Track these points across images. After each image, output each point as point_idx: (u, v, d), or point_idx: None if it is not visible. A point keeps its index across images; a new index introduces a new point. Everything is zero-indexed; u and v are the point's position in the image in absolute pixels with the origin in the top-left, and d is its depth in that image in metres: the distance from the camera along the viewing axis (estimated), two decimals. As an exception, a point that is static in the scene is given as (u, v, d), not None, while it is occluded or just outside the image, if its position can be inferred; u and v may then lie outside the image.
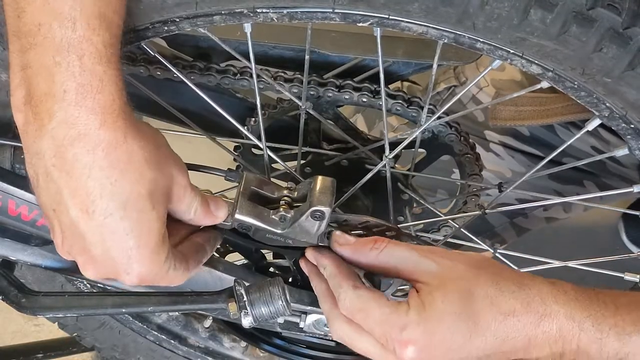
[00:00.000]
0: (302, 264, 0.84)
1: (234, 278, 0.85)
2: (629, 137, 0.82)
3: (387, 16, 0.73)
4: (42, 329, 1.62)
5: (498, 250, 1.08)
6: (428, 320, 0.68)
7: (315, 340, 0.97)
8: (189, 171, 0.73)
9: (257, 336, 1.01)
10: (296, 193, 0.83)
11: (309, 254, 0.83)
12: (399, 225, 0.89)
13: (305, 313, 0.89)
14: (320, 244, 0.83)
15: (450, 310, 0.68)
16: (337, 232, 0.80)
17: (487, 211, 1.02)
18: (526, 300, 0.69)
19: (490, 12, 0.70)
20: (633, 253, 1.06)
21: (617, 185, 1.42)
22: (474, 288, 0.69)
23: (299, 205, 0.81)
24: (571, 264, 1.06)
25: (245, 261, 0.94)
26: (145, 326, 1.17)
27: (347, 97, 1.00)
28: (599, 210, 1.79)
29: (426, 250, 0.74)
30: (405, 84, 1.43)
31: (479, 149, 1.08)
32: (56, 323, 1.21)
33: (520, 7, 0.70)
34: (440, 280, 0.70)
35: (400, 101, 1.00)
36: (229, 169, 1.00)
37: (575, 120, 1.26)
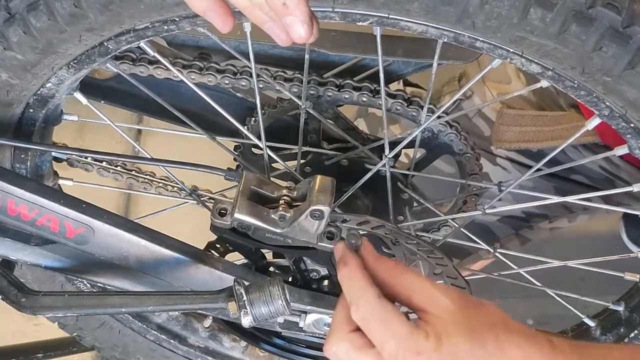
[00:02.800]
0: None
1: (233, 277, 0.85)
2: (628, 136, 0.82)
3: (386, 15, 0.73)
4: (42, 328, 1.62)
5: (498, 250, 1.08)
6: (444, 352, 0.69)
7: (315, 339, 0.97)
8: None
9: (257, 336, 1.01)
10: (296, 192, 0.83)
11: (340, 246, 0.78)
12: (398, 225, 0.89)
13: (305, 312, 0.89)
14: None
15: (464, 347, 0.69)
16: (365, 239, 0.77)
17: (486, 212, 1.02)
18: (528, 354, 0.70)
19: (490, 11, 0.70)
20: (633, 253, 1.06)
21: (622, 201, 1.41)
22: (486, 331, 0.70)
23: (299, 205, 0.81)
24: (571, 263, 1.06)
25: (245, 261, 0.94)
26: (145, 326, 1.17)
27: (347, 96, 1.00)
28: (602, 217, 1.80)
29: (442, 286, 0.74)
30: (409, 88, 1.43)
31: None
32: (56, 323, 1.21)
33: (520, 6, 0.70)
34: (453, 317, 0.71)
35: (400, 100, 1.00)
36: (228, 168, 1.00)
37: (579, 143, 1.25)
